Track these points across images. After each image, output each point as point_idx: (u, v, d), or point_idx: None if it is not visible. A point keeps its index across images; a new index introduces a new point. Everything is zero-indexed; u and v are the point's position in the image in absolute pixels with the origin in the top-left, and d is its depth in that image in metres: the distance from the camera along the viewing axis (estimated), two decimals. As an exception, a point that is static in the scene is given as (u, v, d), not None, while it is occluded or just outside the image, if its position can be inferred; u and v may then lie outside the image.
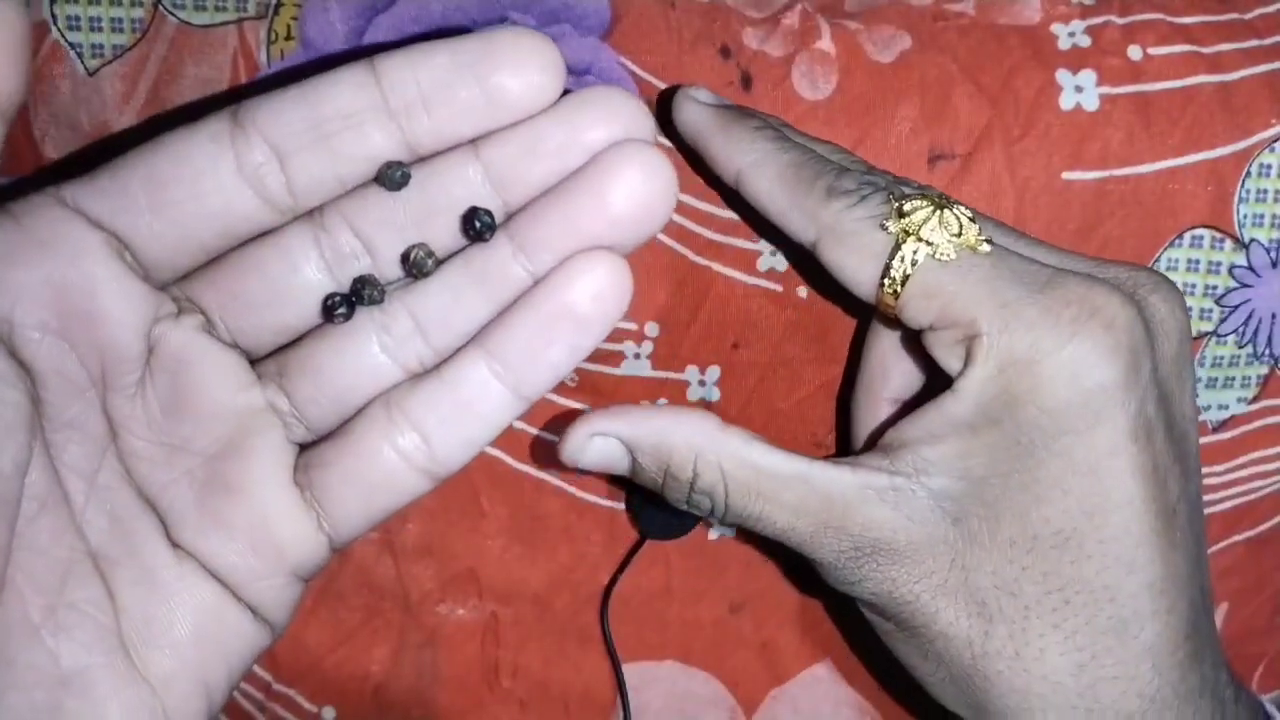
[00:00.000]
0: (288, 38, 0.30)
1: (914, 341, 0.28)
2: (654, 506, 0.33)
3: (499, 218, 0.24)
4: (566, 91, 0.24)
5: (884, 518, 0.26)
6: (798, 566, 0.34)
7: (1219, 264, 0.32)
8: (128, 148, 0.24)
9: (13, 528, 0.22)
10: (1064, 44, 0.31)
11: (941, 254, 0.26)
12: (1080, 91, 0.30)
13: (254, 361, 0.25)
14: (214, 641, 0.24)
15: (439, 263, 0.25)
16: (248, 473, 0.25)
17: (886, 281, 0.26)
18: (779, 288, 0.32)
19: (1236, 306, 0.32)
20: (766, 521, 0.27)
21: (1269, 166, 0.31)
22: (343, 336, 0.25)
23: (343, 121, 0.23)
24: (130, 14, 0.30)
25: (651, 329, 0.32)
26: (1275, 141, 0.31)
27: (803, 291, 0.32)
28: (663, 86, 0.30)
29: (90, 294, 0.23)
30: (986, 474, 0.26)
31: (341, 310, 0.24)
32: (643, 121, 0.24)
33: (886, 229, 0.26)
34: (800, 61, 0.30)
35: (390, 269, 0.25)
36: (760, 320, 0.32)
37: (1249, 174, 0.31)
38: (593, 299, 0.24)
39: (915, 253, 0.26)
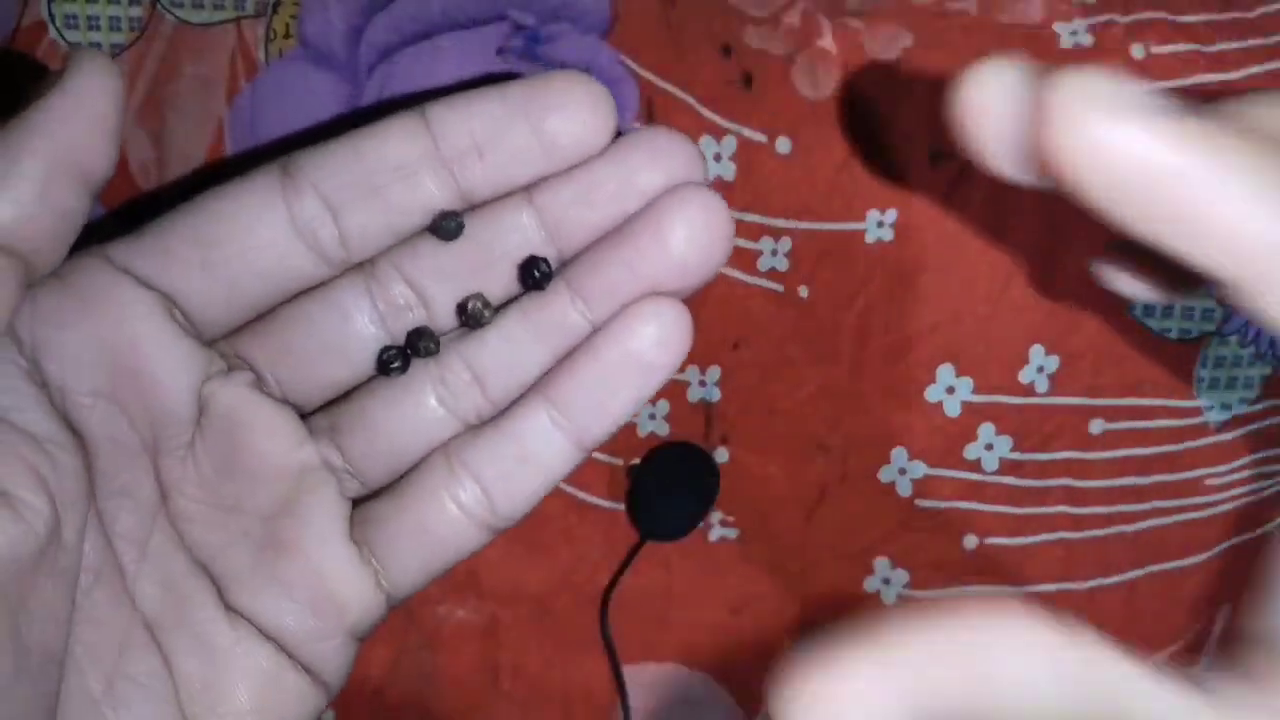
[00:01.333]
0: (286, 36, 0.30)
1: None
2: (654, 507, 0.33)
3: (554, 264, 0.24)
4: (619, 133, 0.23)
5: None
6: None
7: (1221, 264, 0.31)
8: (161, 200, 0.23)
9: (74, 601, 0.22)
10: (1066, 42, 0.31)
11: None
12: (1082, 90, 0.30)
13: (305, 416, 0.25)
14: (273, 708, 0.24)
15: (495, 312, 0.24)
16: (303, 531, 0.24)
17: None
18: (780, 288, 0.31)
19: (1239, 306, 0.32)
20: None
21: (1272, 166, 0.31)
22: (398, 390, 0.24)
23: (395, 172, 0.23)
24: (128, 12, 0.30)
25: (652, 329, 0.32)
26: (1278, 141, 0.31)
27: (804, 291, 0.32)
28: (663, 85, 0.30)
29: (141, 355, 0.23)
30: None
31: (397, 364, 0.24)
32: (695, 162, 0.23)
33: None
34: (801, 60, 0.30)
35: (445, 319, 0.24)
36: (761, 320, 0.32)
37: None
38: (657, 346, 0.23)
39: None
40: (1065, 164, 0.15)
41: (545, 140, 0.23)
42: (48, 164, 0.20)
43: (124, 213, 0.30)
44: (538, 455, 0.24)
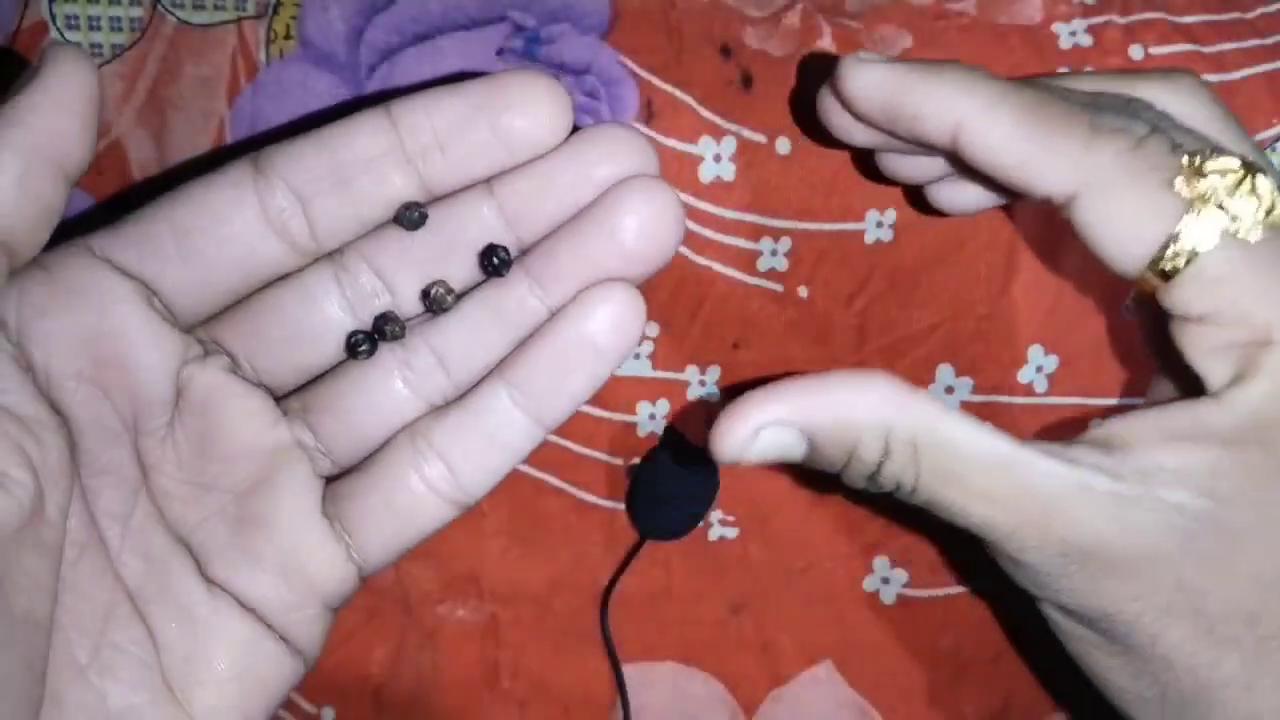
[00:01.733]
0: (287, 37, 0.30)
1: (1157, 326, 0.25)
2: (654, 507, 0.33)
3: (513, 253, 0.25)
4: (575, 129, 0.24)
5: (1101, 524, 0.23)
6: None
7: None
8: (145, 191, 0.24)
9: (58, 572, 0.23)
10: (1065, 43, 0.31)
11: (1245, 233, 0.22)
12: (1081, 91, 0.30)
13: (279, 398, 0.26)
14: (252, 675, 0.25)
15: (458, 298, 0.25)
16: (277, 507, 0.25)
17: (1166, 256, 0.23)
18: (779, 288, 0.31)
19: (1238, 306, 0.32)
20: (959, 511, 0.24)
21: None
22: (366, 372, 0.25)
23: (362, 166, 0.24)
24: (129, 13, 0.30)
25: (652, 329, 0.32)
26: (1277, 141, 0.31)
27: (803, 291, 0.32)
28: (662, 86, 0.30)
29: (122, 341, 0.24)
30: (1236, 497, 0.23)
31: (364, 347, 0.25)
32: (648, 156, 0.25)
33: (1175, 189, 0.23)
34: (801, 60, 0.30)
35: (410, 306, 0.26)
36: (761, 320, 0.32)
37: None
38: (610, 329, 0.25)
39: (1212, 226, 0.22)
40: (851, 102, 0.25)
41: (504, 136, 0.24)
42: (26, 156, 0.22)
43: (115, 204, 0.30)
44: (500, 433, 0.25)
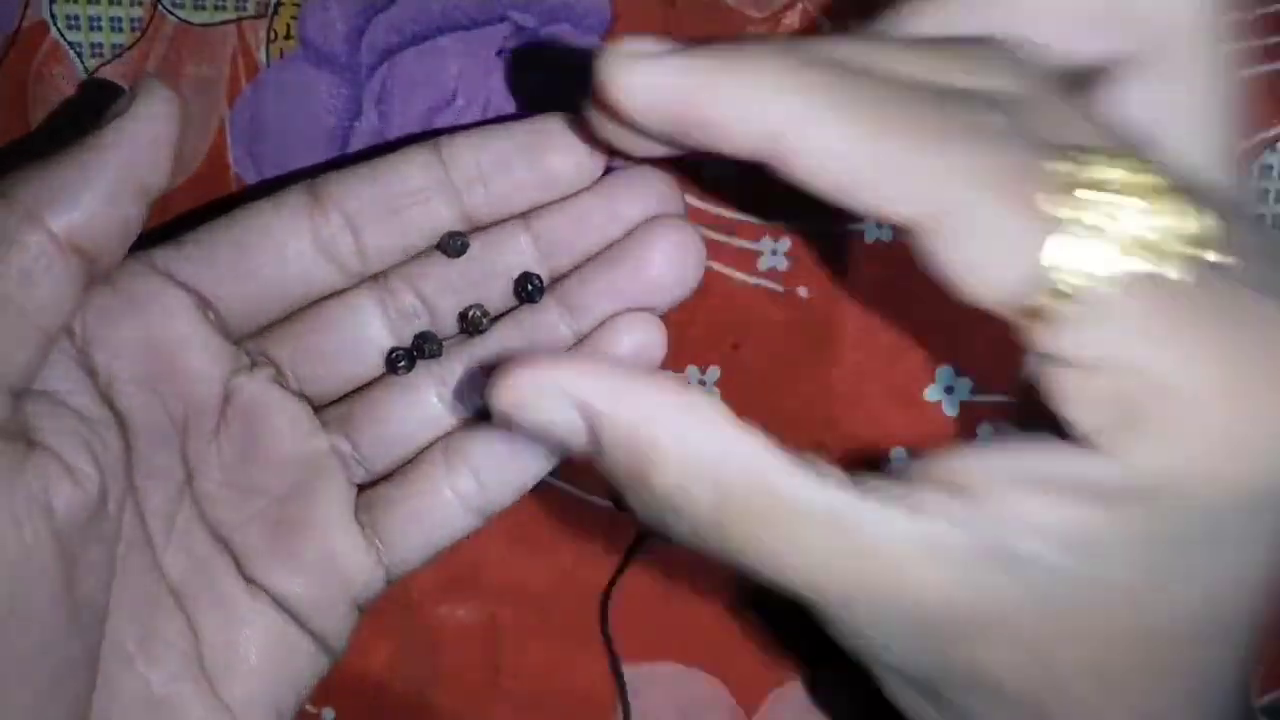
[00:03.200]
0: (287, 37, 0.30)
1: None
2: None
3: (545, 281, 0.27)
4: (609, 170, 0.26)
5: (949, 588, 0.20)
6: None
7: (1221, 264, 0.31)
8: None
9: (113, 565, 0.25)
10: (1065, 43, 0.31)
11: (1131, 260, 0.18)
12: (1082, 91, 0.30)
13: (320, 408, 0.27)
14: (284, 668, 0.26)
15: (493, 321, 0.27)
16: (313, 512, 0.27)
17: (1033, 291, 0.18)
18: (779, 288, 0.31)
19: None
20: (774, 572, 0.20)
21: (1271, 167, 0.31)
22: (404, 387, 0.27)
23: (411, 197, 0.26)
24: (129, 13, 0.30)
25: (652, 329, 0.32)
26: (1277, 141, 0.31)
27: (803, 291, 0.31)
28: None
29: (178, 350, 0.25)
30: (1108, 558, 0.20)
31: (403, 364, 0.27)
32: (675, 199, 0.26)
33: (1043, 207, 0.18)
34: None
35: (448, 327, 0.27)
36: (761, 320, 0.32)
37: (1252, 174, 0.31)
38: (634, 353, 0.26)
39: (1090, 252, 0.18)
40: (622, 113, 0.20)
41: (543, 174, 0.26)
42: (116, 178, 0.23)
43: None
44: (526, 448, 0.27)
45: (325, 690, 0.34)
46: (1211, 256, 0.18)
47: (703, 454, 0.20)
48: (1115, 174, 0.18)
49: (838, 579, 0.20)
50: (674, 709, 0.35)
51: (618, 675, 0.34)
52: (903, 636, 0.21)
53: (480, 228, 0.27)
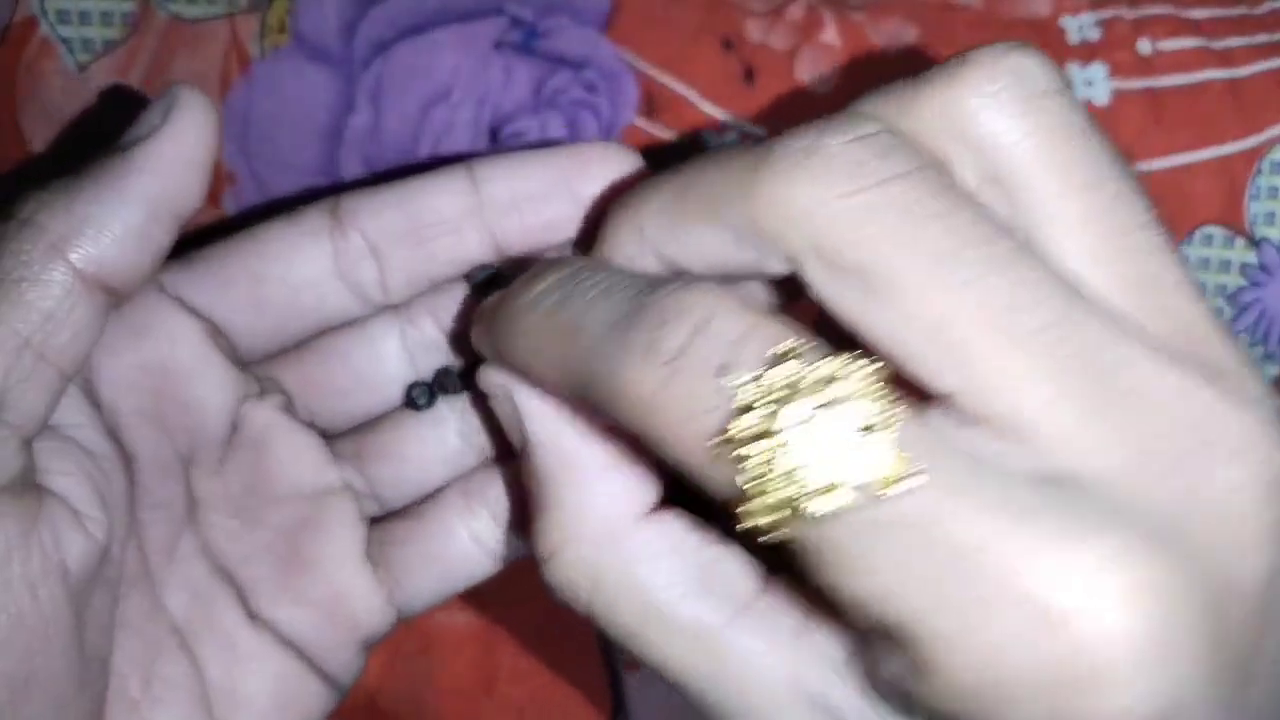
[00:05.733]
0: (280, 30, 0.30)
1: None
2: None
3: None
4: None
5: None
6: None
7: (1230, 262, 0.31)
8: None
9: (115, 609, 0.23)
10: (1074, 37, 0.31)
11: (820, 505, 0.16)
12: (1090, 85, 0.30)
13: (332, 439, 0.26)
14: (291, 707, 0.25)
15: (462, 381, 0.26)
16: (323, 548, 0.25)
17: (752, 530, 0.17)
18: (782, 286, 0.31)
19: (1248, 305, 0.32)
20: (663, 670, 0.22)
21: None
22: (422, 423, 0.26)
23: (441, 226, 0.25)
24: (120, 7, 0.30)
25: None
26: (1285, 138, 0.31)
27: (806, 290, 0.31)
28: (663, 79, 0.30)
29: (185, 379, 0.24)
30: None
31: (423, 400, 0.26)
32: None
33: (723, 453, 0.17)
34: (804, 54, 0.30)
35: (470, 360, 0.26)
36: (762, 319, 0.31)
37: (1260, 171, 0.31)
38: None
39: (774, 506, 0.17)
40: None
41: (581, 205, 0.25)
42: (149, 206, 0.22)
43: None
44: None
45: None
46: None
47: (591, 537, 0.21)
48: (811, 372, 0.17)
49: (724, 696, 0.22)
50: (672, 716, 0.35)
51: (616, 680, 0.34)
52: None
53: (510, 258, 0.25)
